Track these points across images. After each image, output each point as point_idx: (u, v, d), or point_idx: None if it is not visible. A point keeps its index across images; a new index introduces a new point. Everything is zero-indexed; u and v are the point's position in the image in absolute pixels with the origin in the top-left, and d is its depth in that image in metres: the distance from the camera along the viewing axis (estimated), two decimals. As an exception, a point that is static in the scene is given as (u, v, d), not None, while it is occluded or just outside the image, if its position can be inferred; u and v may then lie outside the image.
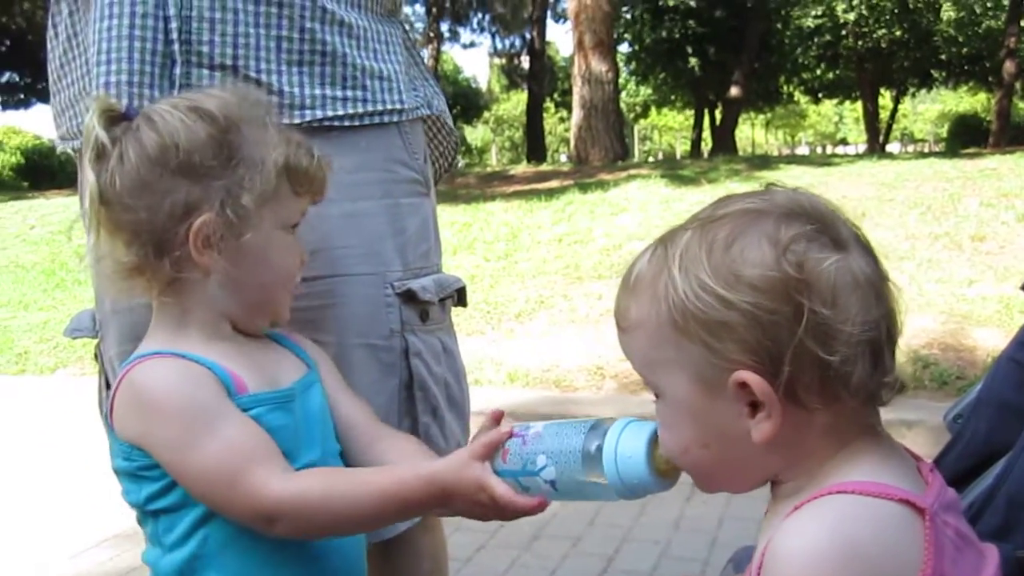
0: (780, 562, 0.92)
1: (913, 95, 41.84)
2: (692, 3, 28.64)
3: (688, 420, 1.04)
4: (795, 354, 0.94)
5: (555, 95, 43.39)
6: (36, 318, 7.98)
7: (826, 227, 0.98)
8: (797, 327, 0.94)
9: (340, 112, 1.62)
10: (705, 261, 0.98)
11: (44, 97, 27.94)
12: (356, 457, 1.47)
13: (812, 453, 1.00)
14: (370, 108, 1.66)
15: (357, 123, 1.65)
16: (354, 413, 1.49)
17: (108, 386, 1.73)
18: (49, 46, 1.73)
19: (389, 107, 1.69)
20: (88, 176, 1.35)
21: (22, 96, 32.84)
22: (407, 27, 1.84)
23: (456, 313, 1.84)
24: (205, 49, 1.55)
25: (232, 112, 1.35)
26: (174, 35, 1.54)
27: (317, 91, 1.61)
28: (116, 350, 1.67)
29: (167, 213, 1.32)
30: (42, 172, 30.21)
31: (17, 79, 32.44)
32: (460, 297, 1.82)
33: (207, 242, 1.33)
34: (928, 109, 66.63)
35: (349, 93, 1.64)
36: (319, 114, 1.61)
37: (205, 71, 1.55)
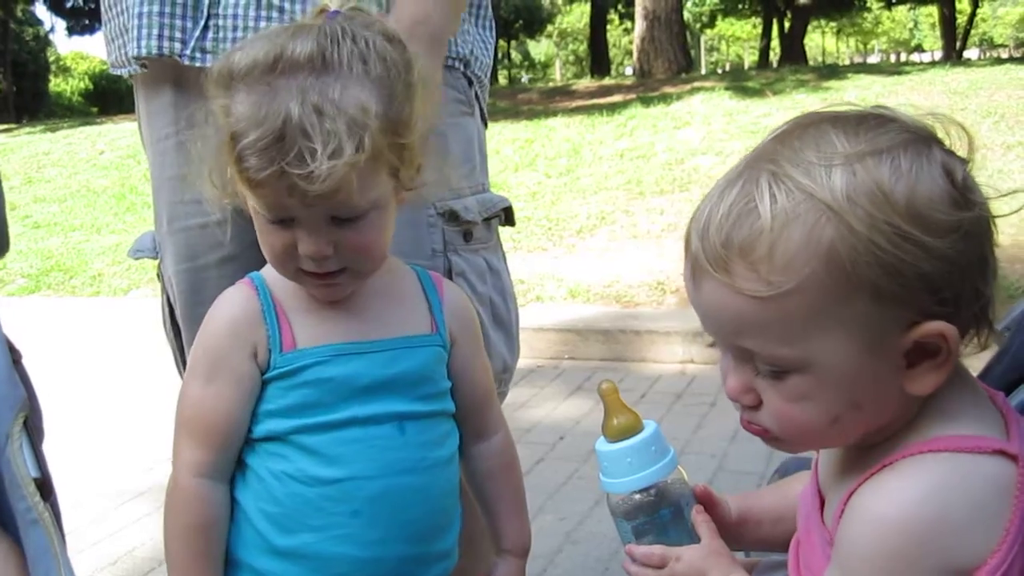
0: (869, 523, 0.90)
1: (992, -2, 40.30)
2: (760, -93, 27.75)
3: (841, 385, 0.92)
4: (969, 293, 0.89)
5: (619, 6, 42.43)
6: (108, 241, 8.19)
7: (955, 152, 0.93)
8: (976, 266, 0.89)
9: None
10: (886, 199, 0.85)
11: (110, 21, 28.09)
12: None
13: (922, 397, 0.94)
14: None
15: None
16: (464, 400, 1.42)
17: (170, 304, 1.78)
18: None
19: None
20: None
21: (87, 21, 33.19)
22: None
23: (517, 230, 1.85)
24: None
25: (246, 64, 1.19)
26: None
27: None
28: (173, 269, 1.72)
29: None
30: (110, 97, 30.68)
31: (81, 3, 32.76)
32: (507, 217, 1.82)
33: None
34: (1008, 12, 64.07)
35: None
36: None
37: None
